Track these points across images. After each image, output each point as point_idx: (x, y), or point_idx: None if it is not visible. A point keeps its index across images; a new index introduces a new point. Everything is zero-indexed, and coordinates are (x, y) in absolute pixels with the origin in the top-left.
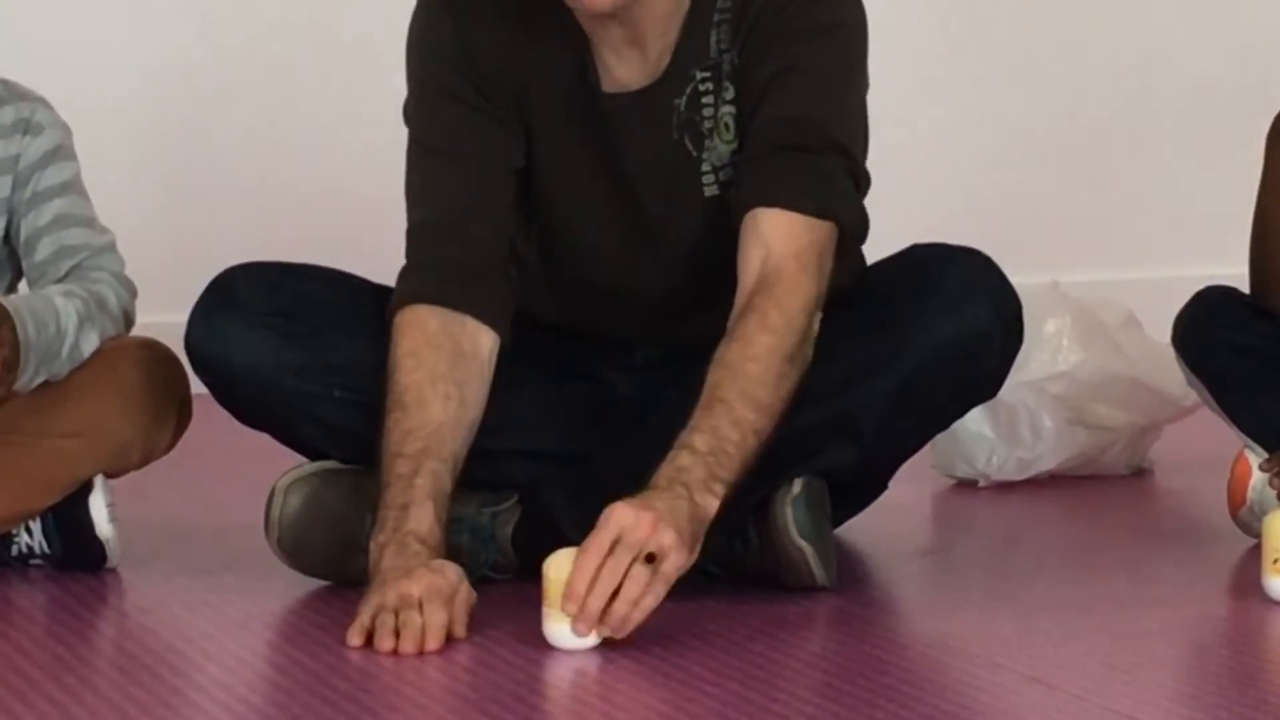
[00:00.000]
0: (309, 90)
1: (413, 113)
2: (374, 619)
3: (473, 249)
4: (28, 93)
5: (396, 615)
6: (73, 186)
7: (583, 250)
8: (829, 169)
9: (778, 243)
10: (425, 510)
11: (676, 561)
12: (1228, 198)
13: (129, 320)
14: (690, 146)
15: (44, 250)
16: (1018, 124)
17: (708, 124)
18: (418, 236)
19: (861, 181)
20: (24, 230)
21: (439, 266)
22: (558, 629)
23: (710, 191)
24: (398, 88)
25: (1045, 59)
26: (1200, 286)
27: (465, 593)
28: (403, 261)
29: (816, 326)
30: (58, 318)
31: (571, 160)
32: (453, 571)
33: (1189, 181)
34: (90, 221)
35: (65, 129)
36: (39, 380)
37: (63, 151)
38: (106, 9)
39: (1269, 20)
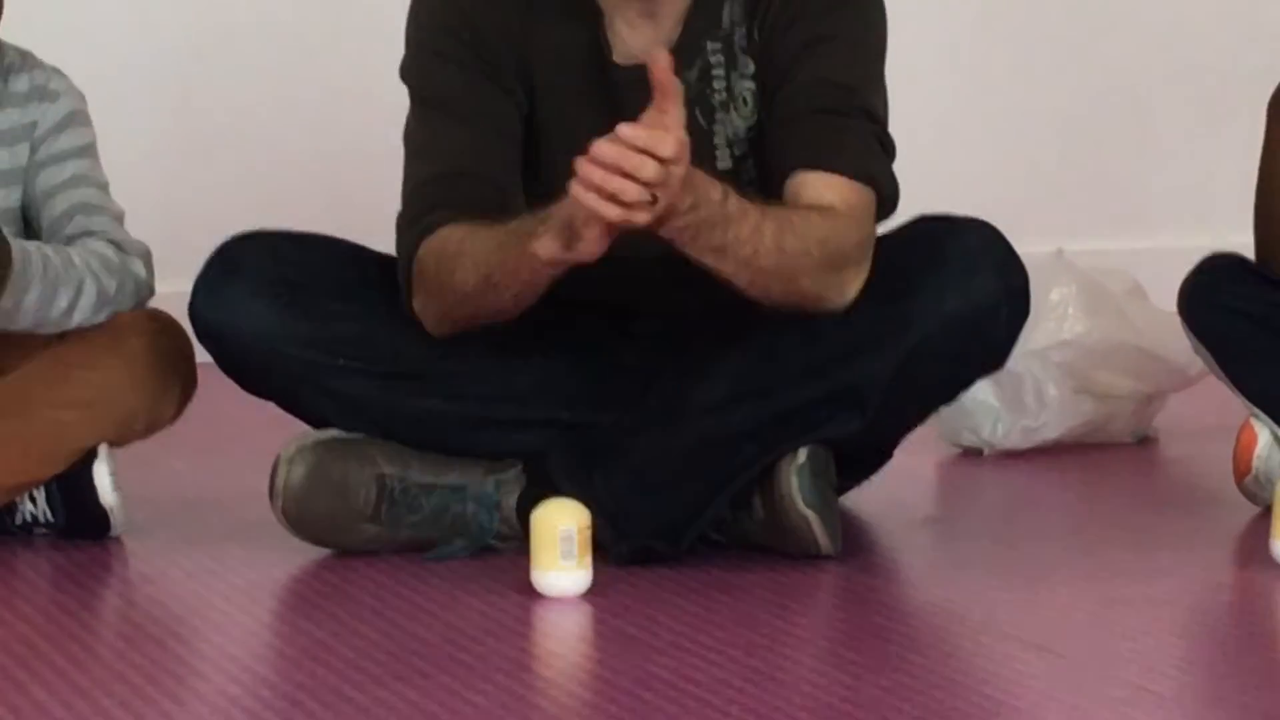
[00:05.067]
0: (316, 61)
1: (412, 71)
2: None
3: (481, 198)
4: (42, 63)
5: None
6: (89, 151)
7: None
8: (863, 134)
9: (833, 200)
10: None
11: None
12: (1232, 166)
13: (147, 287)
14: (700, 119)
15: (59, 205)
16: (1023, 93)
17: (719, 96)
18: (424, 193)
19: (889, 148)
20: (39, 186)
21: (452, 209)
22: (547, 578)
23: (724, 164)
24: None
25: (1051, 28)
26: (1205, 254)
27: None
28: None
29: (852, 291)
30: (71, 266)
31: (579, 130)
32: None
33: (1194, 150)
34: (104, 187)
35: (80, 96)
36: (21, 322)
37: (79, 117)
38: None
39: None
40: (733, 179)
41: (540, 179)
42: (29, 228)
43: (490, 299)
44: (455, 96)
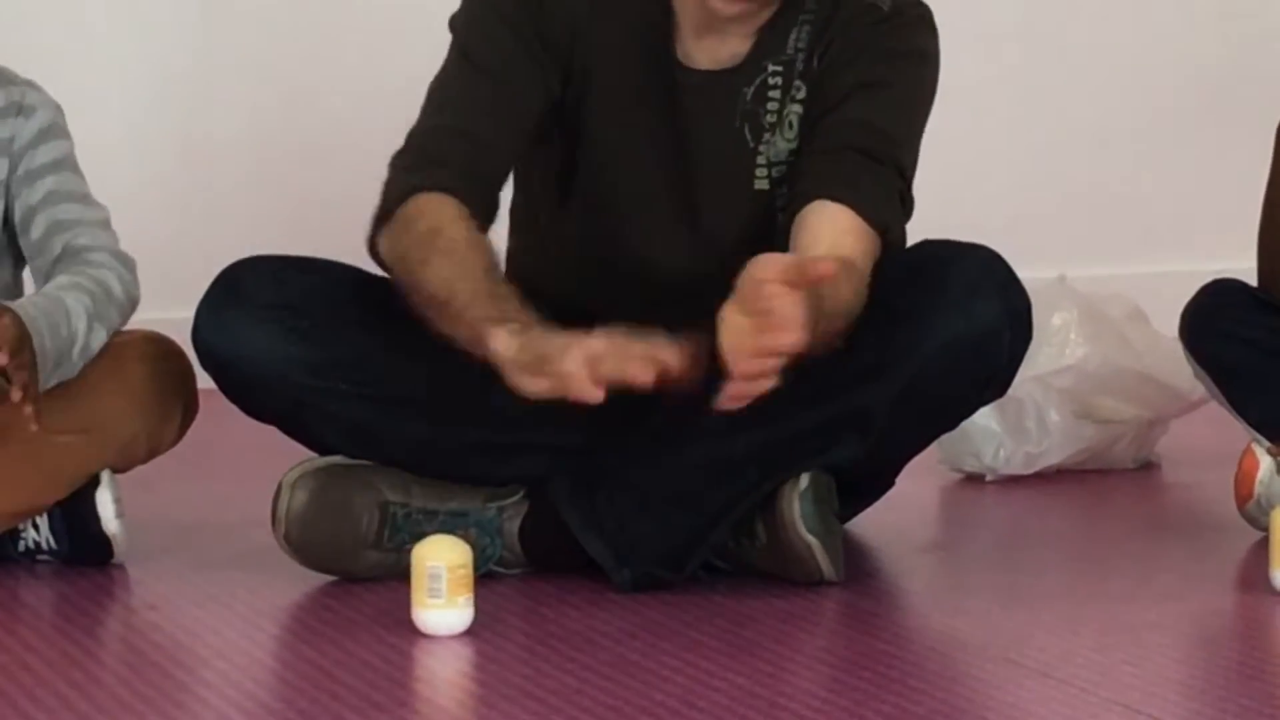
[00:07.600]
0: (314, 85)
1: (462, 24)
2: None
3: (484, 167)
4: (16, 76)
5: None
6: (64, 163)
7: (622, 215)
8: (891, 185)
9: (845, 237)
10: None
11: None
12: (1234, 191)
13: (134, 301)
14: (749, 137)
15: (38, 228)
16: (1024, 118)
17: (770, 118)
18: (428, 141)
19: (908, 206)
20: (18, 209)
21: (455, 170)
22: (417, 615)
23: (760, 185)
24: (401, 86)
25: (1050, 54)
26: (1207, 280)
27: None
28: None
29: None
30: (69, 319)
31: (633, 124)
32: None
33: (1195, 175)
34: (83, 197)
35: (56, 108)
36: (53, 383)
37: (54, 130)
38: (115, 7)
39: (1276, 12)
40: (766, 200)
41: (581, 168)
42: (14, 239)
43: (435, 313)
44: (494, 57)
